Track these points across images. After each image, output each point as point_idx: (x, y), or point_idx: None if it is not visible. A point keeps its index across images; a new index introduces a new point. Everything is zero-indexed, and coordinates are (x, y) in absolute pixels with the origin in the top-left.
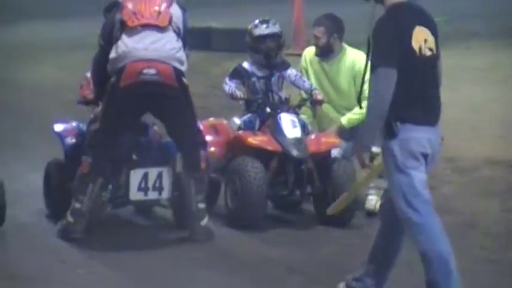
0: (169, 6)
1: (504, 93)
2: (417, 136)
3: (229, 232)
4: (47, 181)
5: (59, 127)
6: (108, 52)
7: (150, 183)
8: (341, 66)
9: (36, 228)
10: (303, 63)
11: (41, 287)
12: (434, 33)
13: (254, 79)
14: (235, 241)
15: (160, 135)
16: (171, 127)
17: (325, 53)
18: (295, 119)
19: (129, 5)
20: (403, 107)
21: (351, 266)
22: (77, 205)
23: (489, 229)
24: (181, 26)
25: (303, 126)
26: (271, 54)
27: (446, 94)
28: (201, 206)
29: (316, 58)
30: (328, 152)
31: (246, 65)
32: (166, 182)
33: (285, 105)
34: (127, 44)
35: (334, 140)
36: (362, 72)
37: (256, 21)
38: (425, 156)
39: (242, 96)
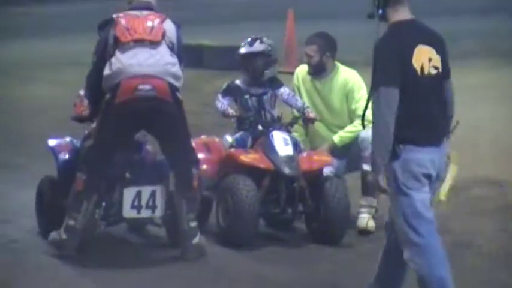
0: (162, 21)
1: (506, 112)
2: (419, 157)
3: (221, 250)
4: (39, 198)
5: (52, 142)
6: (101, 69)
7: (144, 202)
8: (333, 85)
9: (28, 246)
10: (295, 81)
11: None
12: (441, 52)
13: (247, 96)
14: (228, 259)
15: (155, 153)
16: (164, 144)
17: (318, 71)
18: (287, 137)
19: (123, 21)
20: (404, 127)
21: (343, 283)
22: (71, 222)
23: (482, 249)
24: (175, 41)
25: (295, 144)
26: (256, 72)
27: None
28: (193, 224)
29: (309, 76)
30: (320, 170)
31: (238, 82)
32: (160, 200)
33: (277, 123)
34: (121, 60)
35: (326, 158)
36: (354, 90)
37: (249, 39)
38: (428, 176)
39: (234, 114)
